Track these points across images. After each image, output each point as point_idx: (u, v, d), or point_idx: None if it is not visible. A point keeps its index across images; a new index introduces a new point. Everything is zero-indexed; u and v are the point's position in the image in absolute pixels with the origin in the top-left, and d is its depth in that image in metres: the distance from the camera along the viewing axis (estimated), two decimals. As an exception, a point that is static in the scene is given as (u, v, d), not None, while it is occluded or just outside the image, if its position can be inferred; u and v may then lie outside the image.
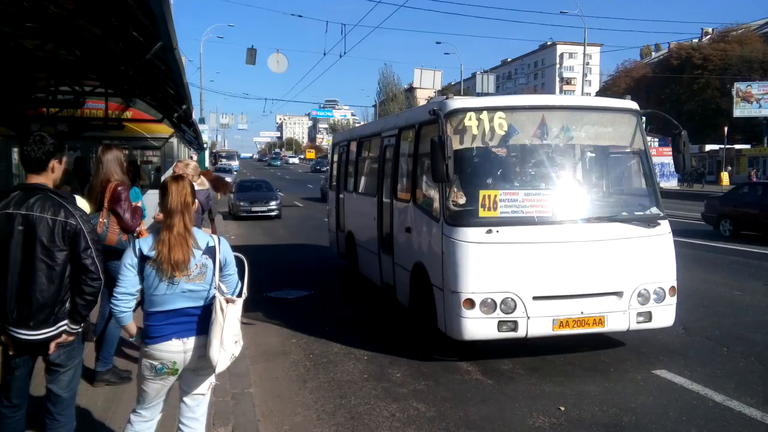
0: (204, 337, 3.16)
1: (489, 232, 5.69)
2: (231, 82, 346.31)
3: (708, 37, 79.42)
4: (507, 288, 5.66)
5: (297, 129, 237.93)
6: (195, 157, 30.15)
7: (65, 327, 3.23)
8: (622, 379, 5.67)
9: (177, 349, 3.15)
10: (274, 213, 21.91)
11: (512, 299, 5.65)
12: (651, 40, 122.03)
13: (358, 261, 9.95)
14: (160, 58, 7.08)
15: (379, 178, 8.61)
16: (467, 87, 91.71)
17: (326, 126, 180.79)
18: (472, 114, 5.94)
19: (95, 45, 7.97)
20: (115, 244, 4.87)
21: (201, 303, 3.20)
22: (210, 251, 3.22)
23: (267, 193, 23.11)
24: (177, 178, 3.33)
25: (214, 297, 3.17)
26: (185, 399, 3.32)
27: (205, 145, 39.16)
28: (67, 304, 3.24)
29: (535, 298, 5.70)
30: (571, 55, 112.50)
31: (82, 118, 12.66)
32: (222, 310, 3.14)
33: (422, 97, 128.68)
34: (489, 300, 5.64)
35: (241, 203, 21.87)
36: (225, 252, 3.30)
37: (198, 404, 3.34)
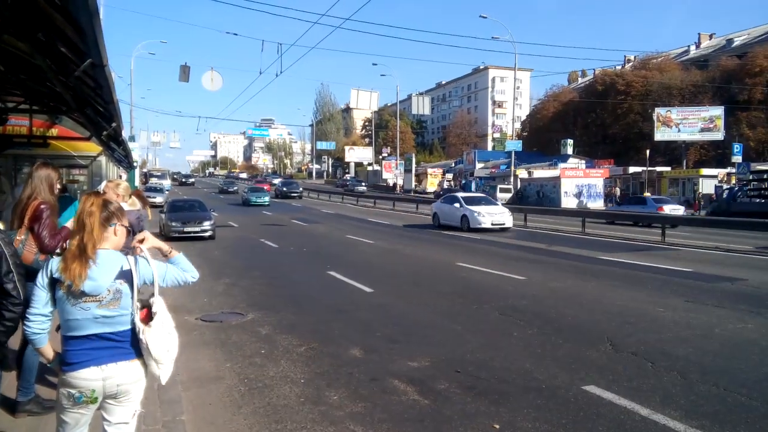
0: (125, 363, 3.06)
1: None
2: (163, 100, 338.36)
3: (630, 64, 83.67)
4: None
5: (232, 148, 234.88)
6: (124, 176, 29.34)
7: None
8: (554, 396, 5.81)
9: (95, 377, 3.01)
10: (207, 233, 21.40)
11: None
12: (578, 66, 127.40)
13: None
14: (89, 75, 6.88)
15: None
16: (403, 108, 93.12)
17: (262, 145, 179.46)
18: None
19: (20, 60, 7.68)
20: (31, 263, 4.66)
21: (119, 328, 3.06)
22: (125, 275, 3.06)
23: (200, 213, 22.55)
24: (90, 194, 3.21)
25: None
26: (108, 429, 3.17)
27: (135, 164, 38.17)
28: None
29: None
30: (502, 79, 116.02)
31: (4, 135, 12.15)
32: (143, 332, 3.06)
33: (359, 117, 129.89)
34: None
35: (173, 224, 21.26)
36: (143, 272, 3.15)
37: None
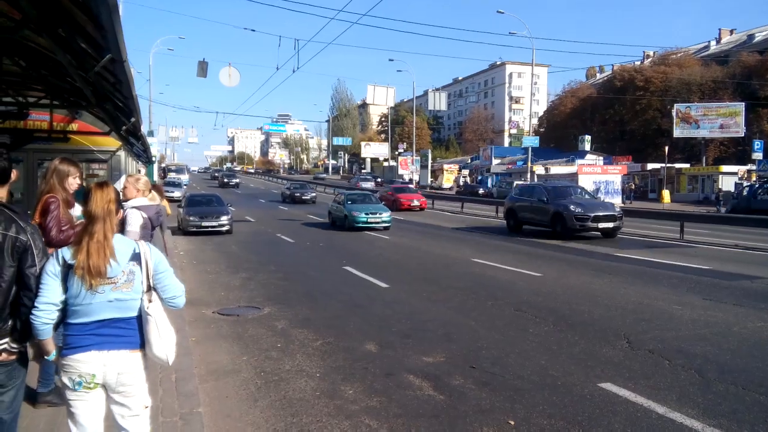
0: (127, 352, 3.10)
1: None
2: (181, 95, 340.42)
3: (649, 60, 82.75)
4: None
5: (249, 143, 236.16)
6: (143, 171, 29.64)
7: (5, 345, 3.12)
8: (570, 393, 5.80)
9: (96, 361, 3.04)
10: (225, 228, 21.57)
11: None
12: (596, 61, 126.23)
13: None
14: (108, 70, 6.96)
15: None
16: (419, 104, 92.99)
17: (279, 141, 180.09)
18: None
19: (41, 56, 7.79)
20: None
21: (129, 314, 3.12)
22: (136, 258, 3.15)
23: (218, 207, 22.76)
24: (102, 183, 3.27)
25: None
26: (121, 422, 3.20)
27: (154, 159, 38.51)
28: (10, 322, 3.13)
29: None
30: (519, 75, 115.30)
31: (25, 129, 12.32)
32: (148, 307, 3.13)
33: (375, 113, 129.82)
34: None
35: (191, 218, 21.45)
36: (154, 256, 3.23)
37: (133, 425, 3.21)
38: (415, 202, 35.85)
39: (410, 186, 47.95)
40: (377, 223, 23.22)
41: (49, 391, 5.04)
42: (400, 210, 33.41)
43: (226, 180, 69.98)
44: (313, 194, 44.32)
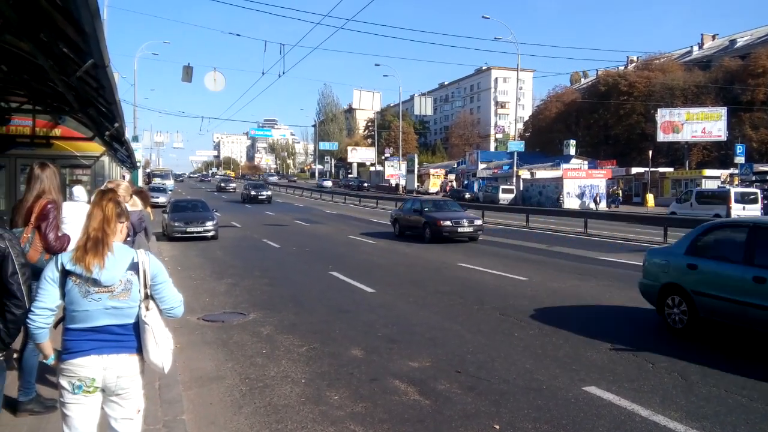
0: (126, 356, 3.12)
1: None
2: (166, 100, 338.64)
3: (633, 65, 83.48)
4: None
5: (235, 148, 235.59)
6: (127, 177, 29.44)
7: None
8: (555, 397, 5.81)
9: (96, 365, 3.06)
10: (210, 234, 21.42)
11: None
12: (580, 66, 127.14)
13: None
14: (91, 75, 6.91)
15: None
16: (405, 109, 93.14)
17: (265, 146, 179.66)
18: None
19: (23, 60, 7.71)
20: (36, 262, 4.69)
21: (127, 321, 3.14)
22: (134, 267, 3.16)
23: (203, 213, 22.58)
24: (106, 190, 3.34)
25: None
26: (114, 425, 3.21)
27: (138, 164, 38.28)
28: None
29: None
30: (505, 80, 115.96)
31: (7, 135, 12.18)
32: (146, 315, 3.14)
33: (362, 117, 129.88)
34: None
35: (176, 224, 21.27)
36: (152, 266, 3.24)
37: (126, 428, 3.22)
38: None
39: None
40: None
41: (30, 400, 4.99)
42: None
43: (254, 193, 48.40)
44: (479, 222, 21.52)
